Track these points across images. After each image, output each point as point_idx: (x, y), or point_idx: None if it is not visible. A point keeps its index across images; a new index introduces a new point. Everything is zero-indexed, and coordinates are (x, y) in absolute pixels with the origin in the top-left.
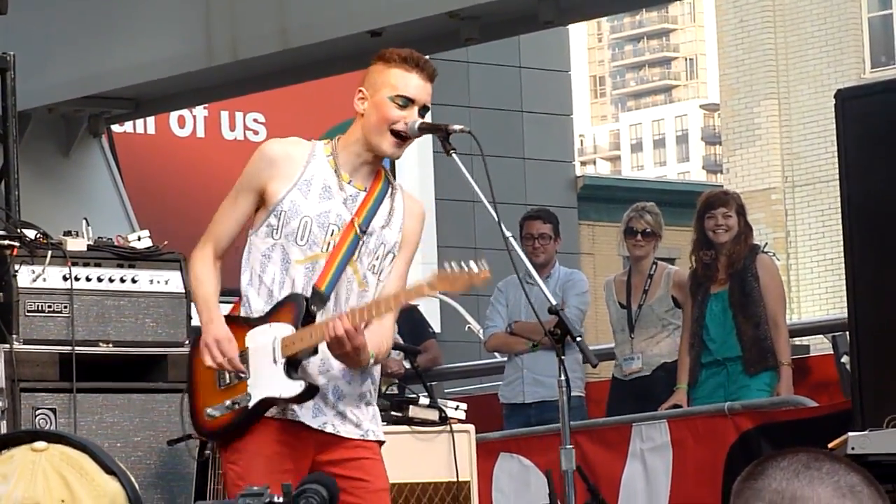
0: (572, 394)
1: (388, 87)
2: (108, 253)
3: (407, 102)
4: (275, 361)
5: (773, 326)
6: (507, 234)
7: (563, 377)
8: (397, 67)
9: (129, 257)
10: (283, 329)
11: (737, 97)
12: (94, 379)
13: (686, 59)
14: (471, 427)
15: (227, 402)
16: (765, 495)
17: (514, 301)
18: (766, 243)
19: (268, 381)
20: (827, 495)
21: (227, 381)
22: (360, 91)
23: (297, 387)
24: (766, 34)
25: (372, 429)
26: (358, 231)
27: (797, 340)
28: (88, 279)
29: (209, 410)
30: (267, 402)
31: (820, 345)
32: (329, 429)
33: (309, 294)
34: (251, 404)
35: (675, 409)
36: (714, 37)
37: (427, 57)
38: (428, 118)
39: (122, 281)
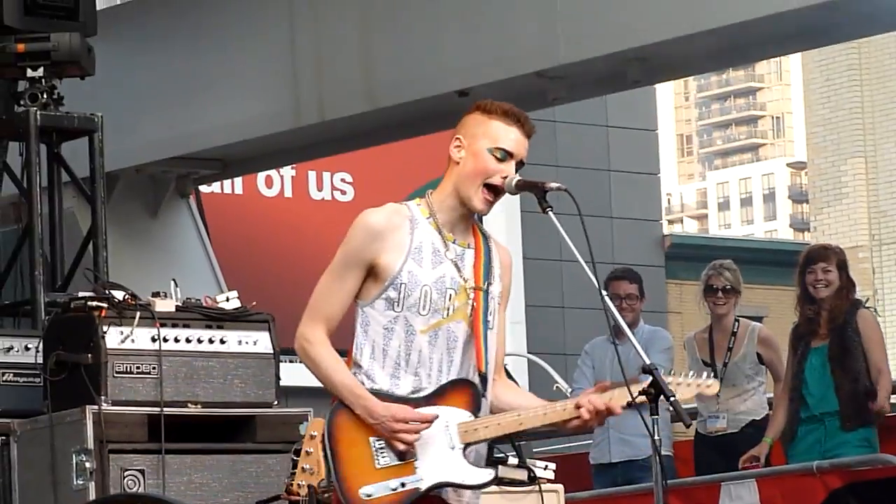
0: (662, 453)
1: (488, 139)
2: (196, 314)
3: (505, 156)
4: (451, 447)
5: (875, 373)
6: (604, 293)
7: (658, 436)
8: (498, 120)
9: (218, 318)
10: (457, 414)
11: (823, 155)
12: (182, 440)
13: (773, 118)
14: (560, 487)
15: (393, 483)
16: None
17: (600, 362)
18: (867, 298)
19: (442, 465)
20: None
21: (388, 462)
22: (458, 139)
23: (486, 475)
24: (853, 92)
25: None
26: (482, 292)
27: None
28: (177, 340)
29: (367, 490)
30: (439, 487)
31: None
32: (445, 496)
33: (476, 379)
34: (424, 487)
35: (754, 460)
36: (800, 95)
37: (526, 114)
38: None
39: (211, 342)
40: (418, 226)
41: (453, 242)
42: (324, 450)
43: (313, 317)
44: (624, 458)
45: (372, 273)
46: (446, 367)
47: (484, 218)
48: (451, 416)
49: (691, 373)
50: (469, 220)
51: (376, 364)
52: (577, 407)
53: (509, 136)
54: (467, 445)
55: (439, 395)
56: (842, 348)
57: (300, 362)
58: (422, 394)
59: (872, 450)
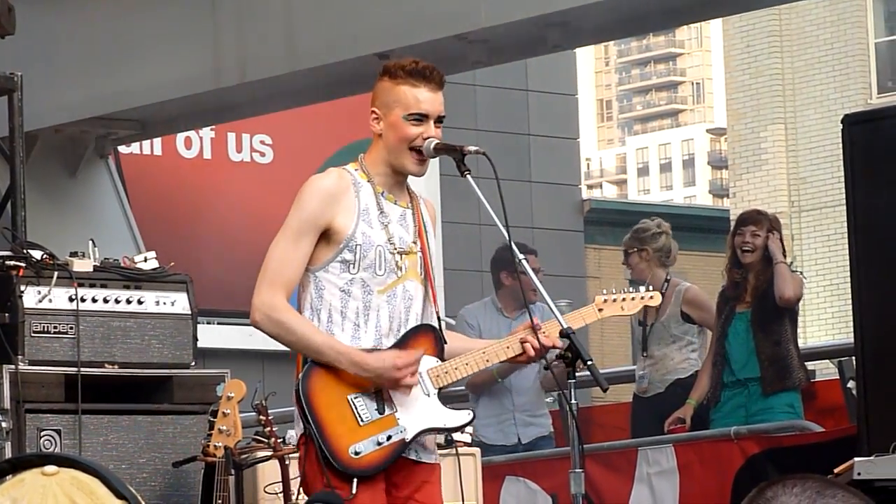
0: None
1: (400, 107)
2: (114, 274)
3: (421, 118)
4: (426, 393)
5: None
6: (521, 256)
7: (574, 399)
8: (404, 84)
9: (136, 278)
10: (424, 361)
11: (743, 122)
12: (99, 400)
13: (693, 84)
14: (476, 450)
15: (379, 438)
16: None
17: (487, 328)
18: (792, 261)
19: (421, 412)
20: None
21: (369, 417)
22: (374, 112)
23: (465, 415)
24: (773, 59)
25: (436, 453)
26: (428, 251)
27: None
28: (94, 300)
29: (355, 447)
30: (424, 433)
31: (826, 370)
32: (413, 455)
33: (435, 323)
34: (410, 436)
35: (679, 422)
36: (721, 61)
37: (431, 65)
38: (440, 134)
39: (129, 302)
40: (362, 188)
41: (395, 203)
42: (303, 416)
43: (272, 284)
44: (533, 437)
45: (325, 237)
46: (403, 324)
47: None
48: (421, 363)
49: (631, 288)
50: (403, 182)
51: (335, 326)
52: (522, 342)
53: (419, 98)
54: (440, 390)
55: (403, 344)
56: (764, 312)
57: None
58: (384, 347)
59: (796, 415)
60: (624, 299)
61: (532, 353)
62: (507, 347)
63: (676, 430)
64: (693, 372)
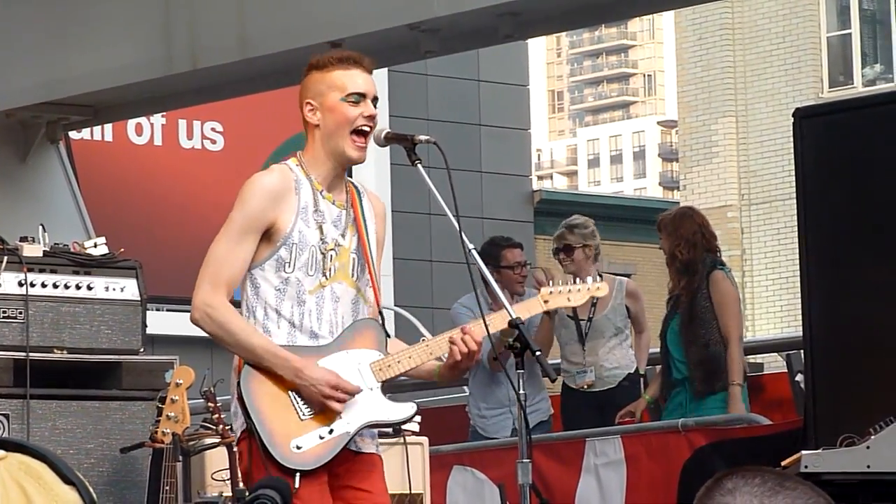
0: (543, 419)
1: (336, 90)
2: (64, 259)
3: (359, 98)
4: (369, 387)
5: (724, 344)
6: (470, 246)
7: (522, 391)
8: (336, 69)
9: (86, 264)
10: (366, 355)
11: (694, 114)
12: (47, 385)
13: (644, 76)
14: (424, 439)
15: (321, 432)
16: None
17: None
18: (720, 258)
19: (365, 406)
20: None
21: (311, 411)
22: (309, 103)
23: (408, 408)
24: (725, 52)
25: (377, 443)
26: (368, 250)
27: (751, 358)
28: (44, 285)
29: (297, 441)
30: (366, 427)
31: (774, 363)
32: (353, 447)
33: (379, 319)
34: (353, 430)
35: (630, 416)
36: (673, 54)
37: (358, 53)
38: (386, 123)
39: (78, 288)
40: (302, 186)
41: (332, 203)
42: (244, 411)
43: (214, 282)
44: (532, 424)
45: (265, 235)
46: (335, 325)
47: (353, 170)
48: (363, 357)
49: (577, 279)
50: (342, 177)
51: (271, 323)
52: (451, 341)
53: (354, 79)
54: (383, 383)
55: (346, 340)
56: (690, 316)
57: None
58: (320, 344)
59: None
60: (570, 291)
61: (456, 355)
62: (450, 340)
63: (625, 423)
64: (636, 367)
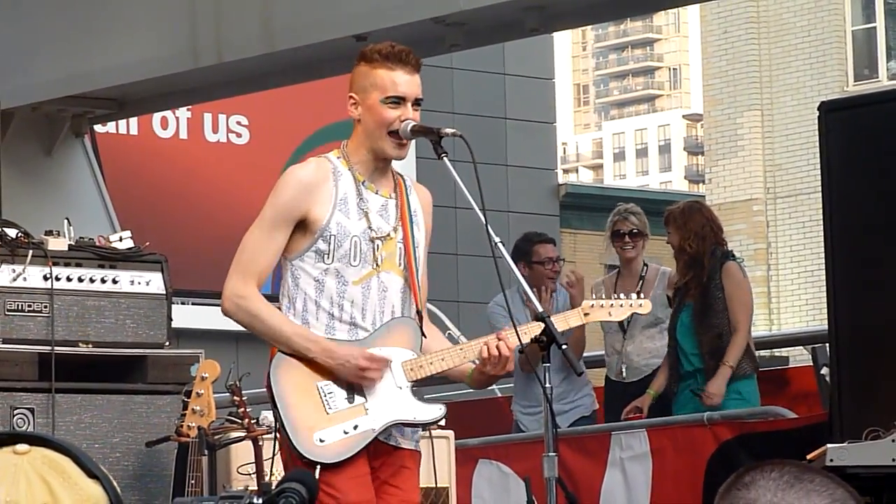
0: (585, 414)
1: (377, 90)
2: (89, 253)
3: (399, 101)
4: (398, 386)
5: (732, 330)
6: (496, 239)
7: (549, 384)
8: (381, 67)
9: (111, 258)
10: (399, 353)
11: (720, 108)
12: (73, 379)
13: (670, 69)
14: (450, 433)
15: (345, 427)
16: None
17: (517, 316)
18: (731, 250)
19: (392, 404)
20: None
21: (338, 405)
22: (352, 97)
23: (436, 410)
24: (751, 45)
25: (417, 439)
26: (412, 241)
27: (777, 352)
28: (69, 279)
29: (320, 435)
30: (392, 426)
31: (800, 356)
32: (392, 442)
33: (413, 316)
34: (378, 427)
35: (636, 411)
36: (698, 47)
37: (407, 48)
38: (418, 117)
39: (103, 281)
40: (341, 177)
41: (376, 193)
42: (272, 402)
43: (244, 272)
44: (570, 422)
45: (301, 226)
46: (379, 315)
47: None
48: (395, 356)
49: (621, 294)
50: (387, 168)
51: (310, 315)
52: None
53: (396, 81)
54: (413, 383)
55: (380, 337)
56: (704, 305)
57: (201, 306)
58: (358, 338)
59: (746, 402)
60: (612, 305)
61: (485, 354)
62: (484, 345)
63: (632, 419)
64: None
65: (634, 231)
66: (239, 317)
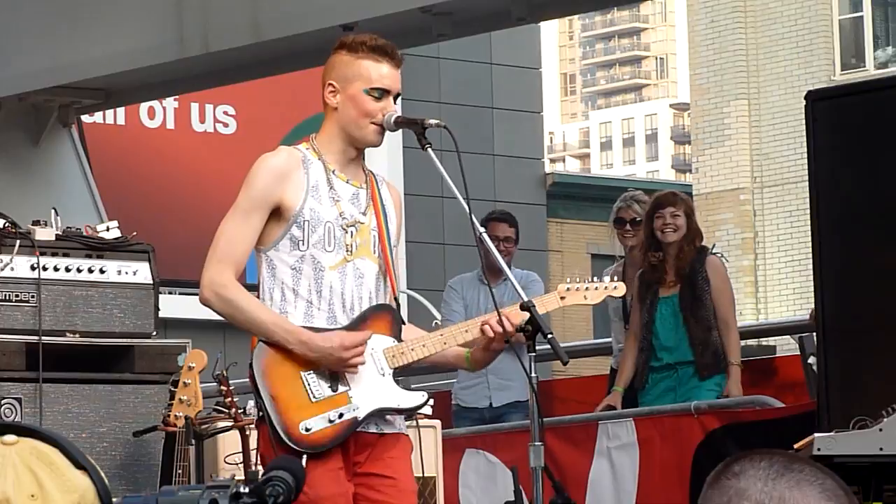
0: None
1: (361, 80)
2: (76, 243)
3: (382, 94)
4: (381, 373)
5: (723, 327)
6: (480, 229)
7: (534, 374)
8: (366, 58)
9: (98, 248)
10: (380, 340)
11: (707, 97)
12: (60, 369)
13: (657, 59)
14: (437, 423)
15: (330, 415)
16: (751, 495)
17: (472, 299)
18: (714, 244)
19: (375, 391)
20: (815, 498)
21: (322, 393)
22: (331, 84)
23: (420, 397)
24: (737, 34)
25: (401, 423)
26: (385, 231)
27: (763, 341)
28: (56, 269)
29: (306, 424)
30: (376, 413)
31: (786, 345)
32: (373, 429)
33: (391, 304)
34: (362, 415)
35: (609, 409)
36: (685, 36)
37: (392, 43)
38: (398, 107)
39: (91, 271)
40: (311, 165)
41: (346, 182)
42: (255, 391)
43: (222, 260)
44: (505, 402)
45: (274, 215)
46: (357, 301)
47: (367, 153)
48: (376, 343)
49: (594, 278)
50: (358, 161)
51: (288, 305)
52: (482, 325)
53: (381, 73)
54: (396, 370)
55: (360, 323)
56: (693, 297)
57: (181, 296)
58: (338, 325)
59: (722, 395)
60: (587, 289)
61: (490, 333)
62: (466, 331)
63: None
64: None
65: (637, 219)
66: (217, 306)
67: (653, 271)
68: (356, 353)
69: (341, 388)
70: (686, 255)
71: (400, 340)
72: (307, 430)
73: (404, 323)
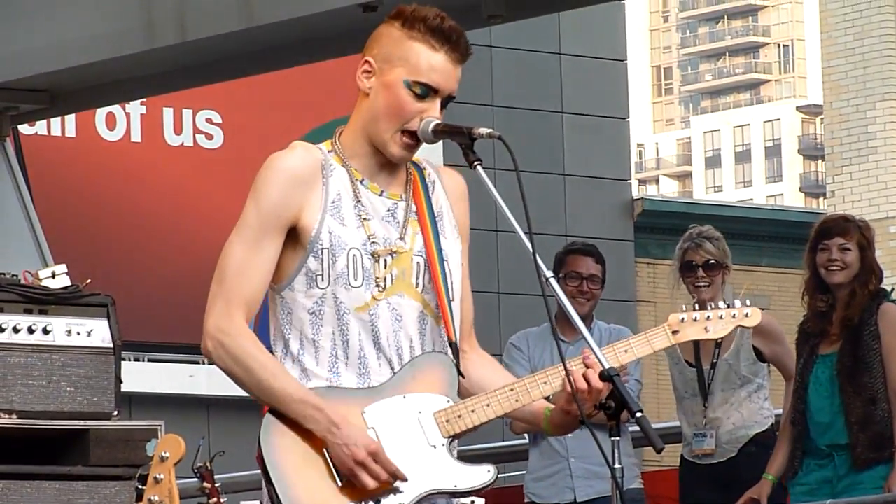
0: (631, 486)
1: (406, 67)
2: (12, 294)
3: (427, 92)
4: (431, 444)
5: (892, 394)
6: (548, 273)
7: (618, 464)
8: (421, 41)
9: (41, 300)
10: (430, 401)
11: (845, 97)
12: None
13: (779, 46)
14: (481, 501)
15: None
16: None
17: (541, 360)
18: (894, 289)
19: (425, 470)
20: None
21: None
22: (367, 62)
23: (483, 473)
24: (884, 14)
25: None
26: (437, 255)
27: None
28: None
29: None
30: (425, 499)
31: None
32: None
33: (446, 351)
34: (406, 502)
35: (752, 503)
36: (816, 17)
37: (461, 29)
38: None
39: (31, 331)
40: (333, 173)
41: (380, 195)
42: (267, 480)
43: (230, 301)
44: (593, 496)
45: (290, 237)
46: (395, 352)
47: None
48: (424, 405)
49: (721, 303)
50: (394, 164)
51: (308, 358)
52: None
53: (434, 64)
54: (452, 438)
55: (403, 381)
56: (854, 358)
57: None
58: (372, 384)
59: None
60: (709, 318)
61: (572, 388)
62: (545, 382)
63: None
64: (770, 425)
65: (711, 262)
66: (221, 361)
67: (817, 321)
68: (374, 470)
69: None
70: (857, 303)
71: (455, 398)
72: None
73: (462, 376)
